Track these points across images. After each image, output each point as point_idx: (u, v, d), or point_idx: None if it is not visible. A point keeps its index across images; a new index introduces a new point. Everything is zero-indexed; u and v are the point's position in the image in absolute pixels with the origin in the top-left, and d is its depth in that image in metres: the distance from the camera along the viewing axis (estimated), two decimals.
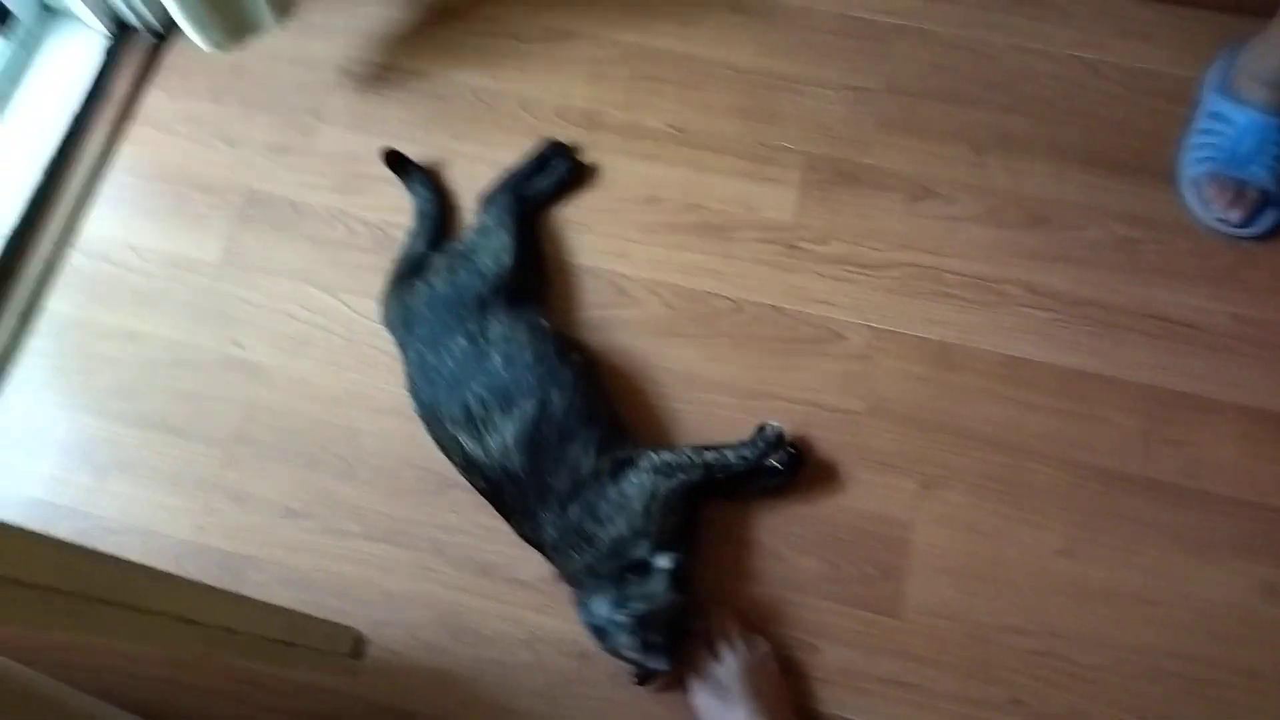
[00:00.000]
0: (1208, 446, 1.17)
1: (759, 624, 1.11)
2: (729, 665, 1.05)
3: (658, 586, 1.04)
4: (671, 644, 1.04)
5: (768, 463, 1.14)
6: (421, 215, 1.32)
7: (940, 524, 1.15)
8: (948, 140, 1.35)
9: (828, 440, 1.20)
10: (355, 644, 1.07)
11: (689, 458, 1.12)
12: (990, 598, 1.12)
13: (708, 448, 1.13)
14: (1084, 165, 1.32)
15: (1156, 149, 1.32)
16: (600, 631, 1.06)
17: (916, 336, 1.25)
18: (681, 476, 1.10)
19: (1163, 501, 1.15)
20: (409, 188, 1.35)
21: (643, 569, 1.05)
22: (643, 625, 1.02)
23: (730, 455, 1.13)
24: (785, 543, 1.16)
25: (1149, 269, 1.26)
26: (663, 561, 1.05)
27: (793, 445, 1.16)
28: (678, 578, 1.05)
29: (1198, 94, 1.34)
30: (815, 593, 1.13)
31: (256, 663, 1.11)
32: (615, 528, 1.07)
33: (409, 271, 1.26)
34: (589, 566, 1.08)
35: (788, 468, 1.15)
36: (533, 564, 1.15)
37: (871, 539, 1.15)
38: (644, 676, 1.08)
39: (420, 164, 1.36)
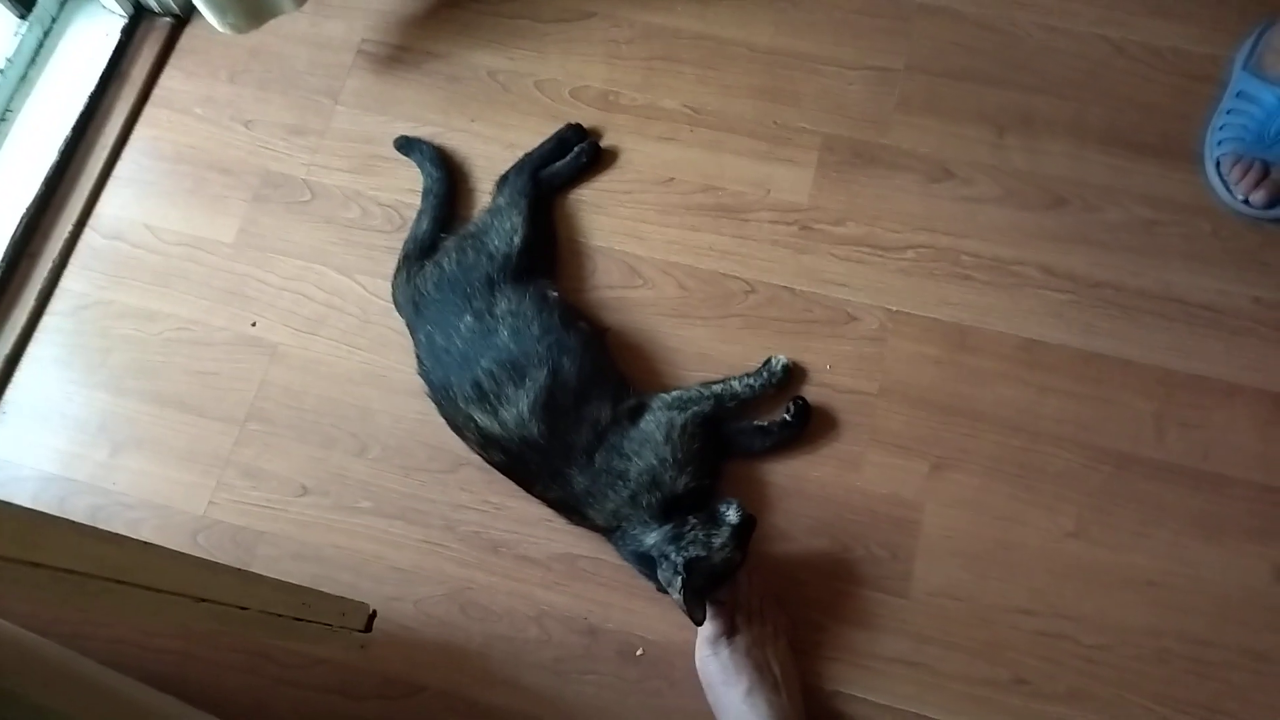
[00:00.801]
0: (1223, 430, 1.22)
1: (756, 606, 1.17)
2: (740, 637, 1.12)
3: (719, 537, 1.10)
4: (710, 598, 1.11)
5: (781, 417, 1.24)
6: (427, 193, 1.40)
7: (951, 506, 1.21)
8: (968, 121, 1.41)
9: (840, 422, 1.27)
10: (366, 619, 1.15)
11: (698, 391, 1.24)
12: (999, 579, 1.18)
13: (715, 381, 1.25)
14: (1106, 146, 1.37)
15: (1181, 129, 1.37)
16: (646, 560, 1.13)
17: (931, 318, 1.31)
18: (694, 409, 1.22)
19: (1176, 484, 1.20)
20: (419, 165, 1.43)
21: (709, 515, 1.13)
22: (692, 570, 1.08)
23: (736, 384, 1.25)
24: (795, 523, 1.23)
25: (1170, 251, 1.31)
26: (731, 515, 1.12)
27: (799, 396, 1.25)
28: (742, 535, 1.11)
29: (1225, 72, 1.39)
30: (824, 572, 1.20)
31: (267, 637, 1.20)
32: (643, 459, 1.17)
33: (416, 253, 1.34)
34: (630, 498, 1.15)
35: (797, 419, 1.24)
36: (542, 542, 1.24)
37: (882, 520, 1.22)
38: (726, 629, 1.14)
39: (430, 142, 1.44)
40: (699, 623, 1.10)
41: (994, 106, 1.42)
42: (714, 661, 1.12)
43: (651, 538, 1.13)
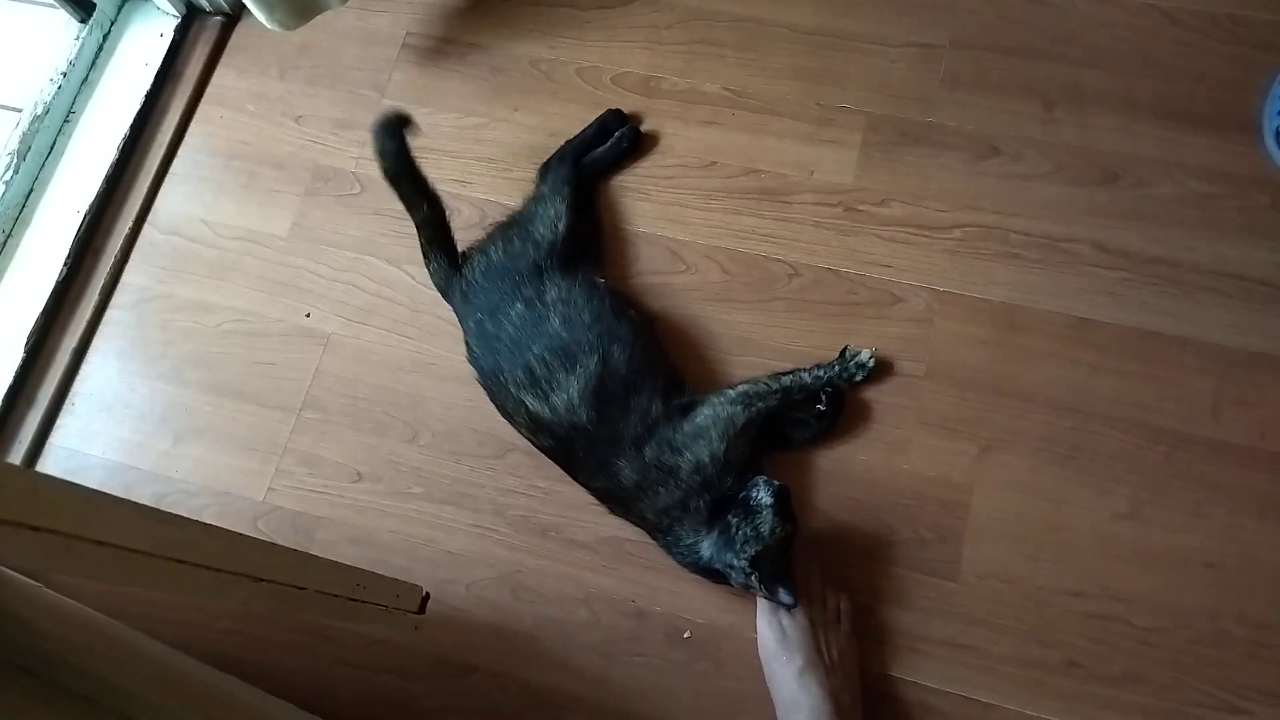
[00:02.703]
0: None
1: (816, 587, 1.17)
2: (798, 617, 1.12)
3: (765, 525, 1.10)
4: (786, 571, 1.11)
5: (815, 408, 1.23)
6: (395, 178, 1.34)
7: (1000, 488, 1.20)
8: (1015, 96, 1.38)
9: (886, 404, 1.25)
10: (420, 601, 1.17)
11: (766, 385, 1.22)
12: (1049, 561, 1.16)
13: (783, 373, 1.23)
14: (1159, 118, 1.34)
15: (1237, 99, 1.33)
16: (717, 574, 1.14)
17: (979, 298, 1.29)
18: (759, 405, 1.20)
19: (1232, 464, 1.17)
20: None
21: (744, 507, 1.12)
22: (759, 564, 1.09)
23: (806, 376, 1.23)
24: (842, 506, 1.22)
25: (1226, 225, 1.27)
26: (765, 497, 1.12)
27: (826, 385, 1.23)
28: (783, 508, 1.11)
29: None
30: (872, 556, 1.19)
31: (324, 617, 1.23)
32: (694, 455, 1.16)
33: (437, 236, 1.33)
34: (681, 501, 1.15)
35: (832, 407, 1.23)
36: (590, 526, 1.25)
37: (930, 503, 1.20)
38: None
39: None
40: (792, 603, 1.09)
41: (1042, 81, 1.39)
42: (771, 633, 1.13)
43: (705, 548, 1.13)
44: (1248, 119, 1.32)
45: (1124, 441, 1.20)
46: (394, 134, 1.34)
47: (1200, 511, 1.16)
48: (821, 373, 1.24)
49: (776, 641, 1.12)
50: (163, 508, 1.31)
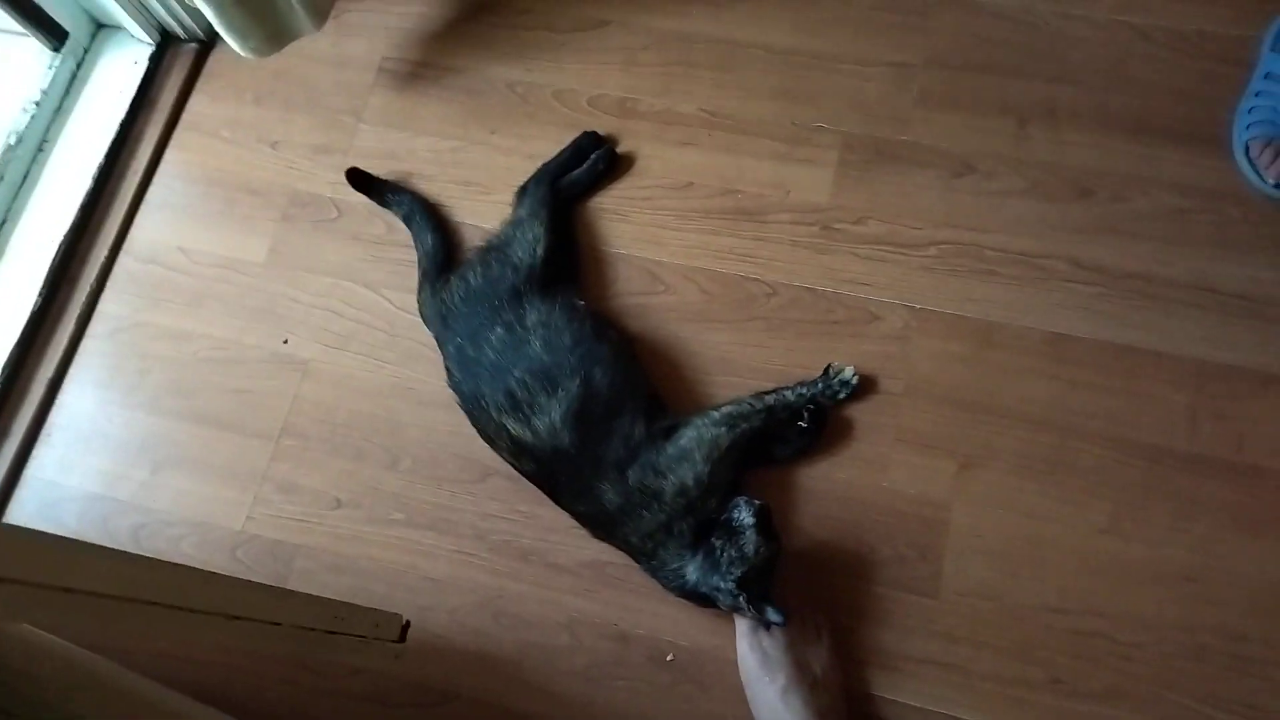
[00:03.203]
0: (1258, 421, 1.19)
1: (797, 607, 1.17)
2: (778, 636, 1.12)
3: (749, 545, 1.10)
4: (776, 590, 1.11)
5: (796, 425, 1.23)
6: (408, 219, 1.42)
7: (979, 505, 1.20)
8: (989, 114, 1.39)
9: (864, 422, 1.26)
10: (400, 629, 1.17)
11: (750, 405, 1.22)
12: (1030, 578, 1.16)
13: (766, 392, 1.24)
14: (1132, 134, 1.35)
15: (1208, 114, 1.34)
16: (704, 598, 1.13)
17: (956, 315, 1.29)
18: (744, 426, 1.20)
19: (1210, 477, 1.18)
20: (385, 203, 1.45)
21: (727, 529, 1.12)
22: (746, 585, 1.09)
23: (789, 394, 1.24)
24: (821, 525, 1.22)
25: (1200, 239, 1.28)
26: (746, 517, 1.11)
27: (809, 403, 1.23)
28: (765, 527, 1.11)
29: (1253, 55, 1.35)
30: (852, 574, 1.19)
31: (302, 651, 1.22)
32: (677, 478, 1.15)
33: (434, 268, 1.36)
34: (665, 525, 1.15)
35: (814, 424, 1.23)
36: (571, 550, 1.24)
37: (909, 520, 1.21)
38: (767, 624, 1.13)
39: (377, 176, 1.46)
40: (781, 621, 1.08)
41: (1015, 98, 1.40)
42: (753, 656, 1.12)
43: (691, 572, 1.13)
44: (1218, 134, 1.33)
45: (1102, 456, 1.20)
46: (381, 185, 1.43)
47: (1179, 525, 1.16)
48: (805, 390, 1.24)
49: (758, 662, 1.12)
50: (141, 539, 1.32)
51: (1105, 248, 1.30)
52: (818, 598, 1.18)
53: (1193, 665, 1.11)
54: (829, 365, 1.26)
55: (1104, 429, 1.21)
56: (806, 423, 1.23)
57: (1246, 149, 1.29)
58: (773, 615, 1.08)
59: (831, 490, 1.23)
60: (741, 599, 1.09)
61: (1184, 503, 1.17)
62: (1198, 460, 1.19)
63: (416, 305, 1.36)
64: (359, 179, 1.45)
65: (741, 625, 1.15)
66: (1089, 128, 1.37)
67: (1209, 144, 1.33)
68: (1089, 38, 1.42)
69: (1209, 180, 1.31)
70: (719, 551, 1.11)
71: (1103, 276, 1.29)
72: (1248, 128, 1.30)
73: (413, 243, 1.41)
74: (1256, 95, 1.32)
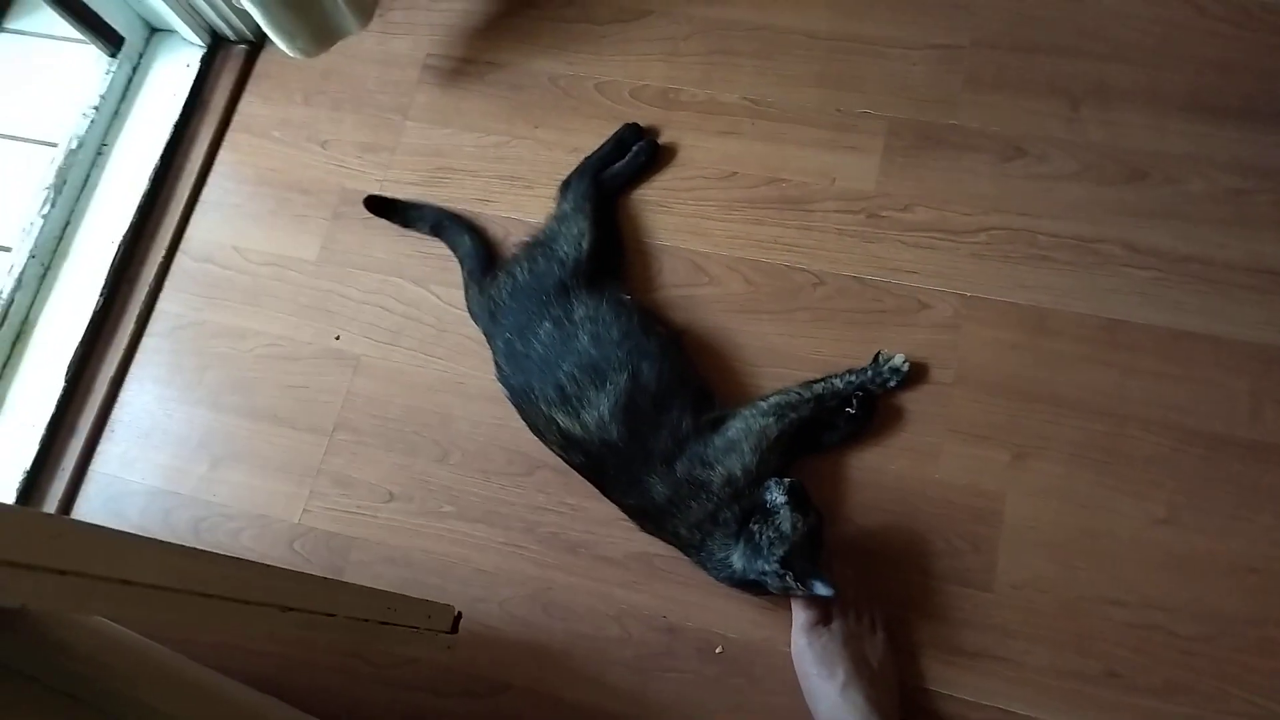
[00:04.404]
0: None
1: (851, 597, 1.15)
2: (835, 629, 1.10)
3: (785, 523, 1.08)
4: (821, 562, 1.09)
5: (845, 411, 1.21)
6: (438, 229, 1.42)
7: (1033, 495, 1.17)
8: (1039, 95, 1.35)
9: (915, 412, 1.23)
10: (452, 620, 1.17)
11: (798, 395, 1.20)
12: (1086, 569, 1.13)
13: (814, 381, 1.22)
14: (1187, 113, 1.30)
15: (1267, 90, 1.29)
16: (754, 585, 1.12)
17: (1008, 302, 1.26)
18: (792, 415, 1.18)
19: (1274, 465, 1.13)
20: (409, 222, 1.45)
21: (763, 511, 1.10)
22: (789, 564, 1.07)
23: (838, 382, 1.22)
24: (873, 517, 1.20)
25: (1259, 221, 1.23)
26: (778, 496, 1.10)
27: (858, 390, 1.21)
28: (801, 503, 1.10)
29: None
30: (905, 567, 1.17)
31: (355, 642, 1.23)
32: (725, 469, 1.14)
33: (479, 267, 1.36)
34: (712, 514, 1.13)
35: (861, 413, 1.21)
36: (619, 542, 1.23)
37: (962, 512, 1.18)
38: (822, 616, 1.12)
39: (397, 199, 1.46)
40: (830, 593, 1.06)
41: (1066, 78, 1.35)
42: (810, 651, 1.10)
43: (737, 560, 1.11)
44: (1278, 110, 1.27)
45: (1160, 445, 1.16)
46: (401, 206, 1.45)
47: (1240, 515, 1.12)
48: (854, 378, 1.22)
49: (816, 657, 1.09)
50: (201, 532, 1.35)
51: (1161, 231, 1.26)
52: (870, 590, 1.16)
53: (1257, 660, 1.07)
54: (878, 353, 1.24)
55: (1162, 417, 1.17)
56: (854, 409, 1.20)
57: None
58: (820, 589, 1.06)
59: (882, 482, 1.21)
60: (789, 577, 1.07)
61: (1246, 491, 1.13)
62: (1260, 448, 1.14)
63: (465, 303, 1.36)
64: (378, 205, 1.45)
65: (798, 618, 1.13)
66: (1143, 107, 1.32)
67: (1269, 121, 1.27)
68: (1140, 13, 1.36)
69: (1269, 159, 1.26)
70: (758, 535, 1.09)
71: (1159, 260, 1.24)
72: None
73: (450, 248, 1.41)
74: None
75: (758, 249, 1.35)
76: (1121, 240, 1.26)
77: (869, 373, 1.22)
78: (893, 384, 1.22)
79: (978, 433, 1.21)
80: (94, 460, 1.43)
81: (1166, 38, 1.34)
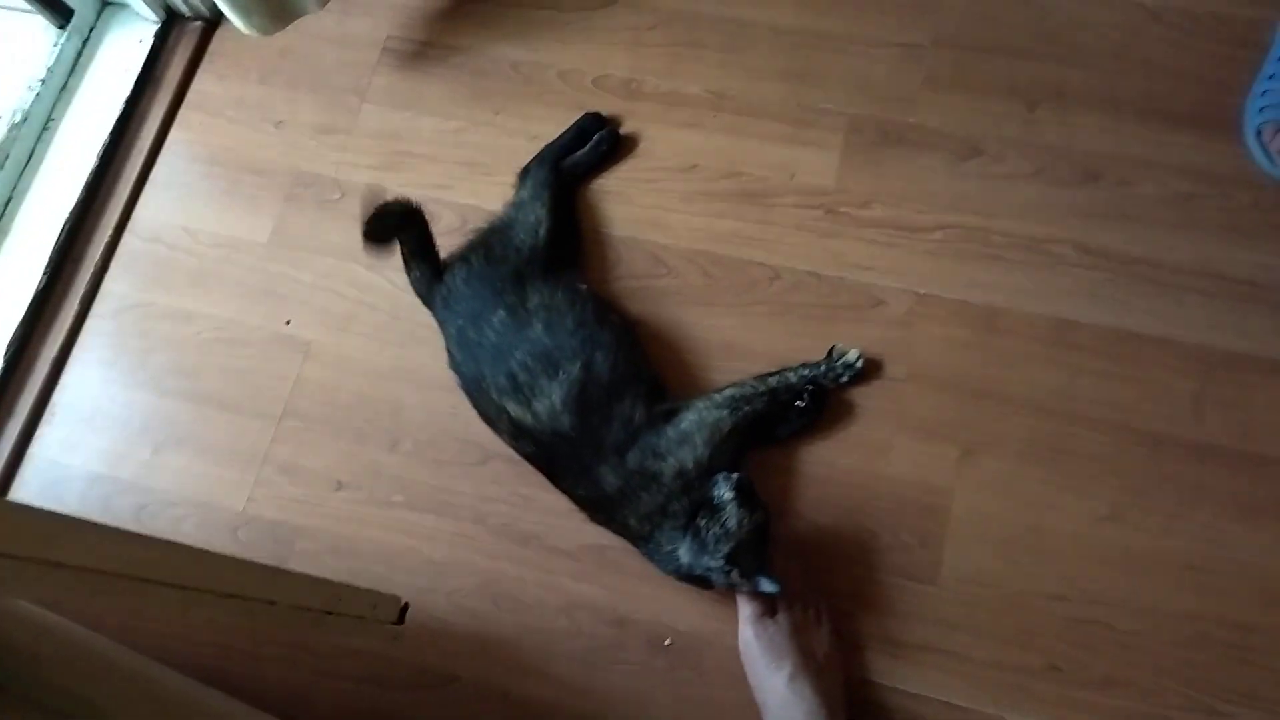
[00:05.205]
0: (1263, 409, 1.18)
1: (797, 590, 1.17)
2: (781, 621, 1.12)
3: (731, 519, 1.10)
4: (768, 558, 1.11)
5: (795, 405, 1.23)
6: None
7: (981, 491, 1.20)
8: (997, 96, 1.38)
9: (867, 407, 1.25)
10: (398, 611, 1.17)
11: (752, 388, 1.22)
12: (1030, 565, 1.16)
13: (769, 374, 1.23)
14: (1141, 117, 1.33)
15: (1219, 98, 1.33)
16: (701, 579, 1.13)
17: (961, 300, 1.29)
18: (746, 408, 1.20)
19: (1214, 466, 1.17)
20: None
21: (710, 507, 1.12)
22: (736, 560, 1.09)
23: (792, 376, 1.24)
24: (823, 511, 1.22)
25: (1207, 225, 1.27)
26: (725, 493, 1.11)
27: (811, 384, 1.23)
28: (747, 498, 1.11)
29: (1267, 37, 1.33)
30: (853, 561, 1.19)
31: (298, 631, 1.23)
32: (677, 460, 1.15)
33: (419, 249, 1.33)
34: (661, 506, 1.14)
35: (812, 406, 1.23)
36: (571, 533, 1.24)
37: (911, 507, 1.20)
38: (768, 609, 1.14)
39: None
40: (775, 590, 1.08)
41: (1024, 80, 1.38)
42: (757, 643, 1.12)
43: (684, 554, 1.12)
44: (1229, 118, 1.32)
45: (1105, 444, 1.20)
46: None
47: (1182, 514, 1.16)
48: (808, 372, 1.24)
49: (763, 649, 1.11)
50: (143, 518, 1.33)
51: (1112, 233, 1.29)
52: (818, 583, 1.18)
53: (1193, 654, 1.10)
54: (833, 347, 1.26)
55: (1108, 416, 1.21)
56: (805, 402, 1.22)
57: (1258, 133, 1.27)
58: (766, 585, 1.08)
59: (833, 476, 1.23)
60: (734, 574, 1.08)
61: (1188, 491, 1.16)
62: (1202, 448, 1.18)
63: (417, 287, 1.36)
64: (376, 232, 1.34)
65: (744, 611, 1.14)
66: (1098, 111, 1.35)
67: (1220, 128, 1.31)
68: (1100, 20, 1.40)
69: (1219, 165, 1.30)
70: (704, 530, 1.10)
71: (1109, 262, 1.28)
72: (1260, 111, 1.28)
73: (433, 219, 1.35)
74: (1270, 79, 1.30)
75: (716, 242, 1.36)
76: (1073, 241, 1.29)
77: (823, 367, 1.24)
78: (846, 379, 1.24)
79: (928, 429, 1.24)
80: (32, 444, 1.41)
81: (1123, 44, 1.38)
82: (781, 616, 1.13)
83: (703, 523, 1.11)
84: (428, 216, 1.35)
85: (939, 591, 1.16)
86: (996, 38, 1.42)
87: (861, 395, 1.26)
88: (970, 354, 1.26)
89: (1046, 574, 1.15)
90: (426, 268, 1.33)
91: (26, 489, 1.38)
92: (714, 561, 1.09)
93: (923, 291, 1.30)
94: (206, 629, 1.26)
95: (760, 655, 1.12)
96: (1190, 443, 1.18)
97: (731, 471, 1.14)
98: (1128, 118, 1.34)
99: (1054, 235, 1.30)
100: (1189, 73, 1.35)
